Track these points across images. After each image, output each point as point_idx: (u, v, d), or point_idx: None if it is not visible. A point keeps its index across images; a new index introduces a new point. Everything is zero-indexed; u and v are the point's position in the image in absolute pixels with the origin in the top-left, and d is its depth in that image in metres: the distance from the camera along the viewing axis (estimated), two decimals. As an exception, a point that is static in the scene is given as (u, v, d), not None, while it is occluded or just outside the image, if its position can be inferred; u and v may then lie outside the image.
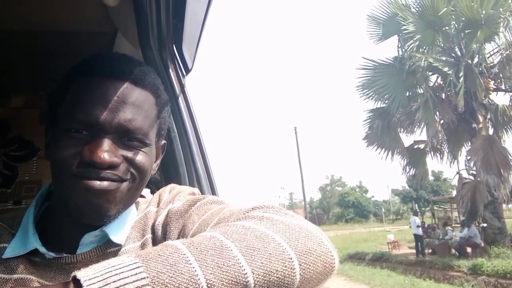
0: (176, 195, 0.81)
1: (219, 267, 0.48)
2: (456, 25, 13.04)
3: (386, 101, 13.80)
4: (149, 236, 0.77)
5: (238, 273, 0.49)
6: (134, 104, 0.71)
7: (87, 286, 0.43)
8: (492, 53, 13.15)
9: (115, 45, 1.53)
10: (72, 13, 1.35)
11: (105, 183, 0.67)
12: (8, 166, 1.60)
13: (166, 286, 0.45)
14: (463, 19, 12.47)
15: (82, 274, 0.45)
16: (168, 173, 1.27)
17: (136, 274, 0.45)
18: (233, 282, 0.48)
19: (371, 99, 14.15)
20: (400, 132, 14.13)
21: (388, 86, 13.52)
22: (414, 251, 16.48)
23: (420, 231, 16.21)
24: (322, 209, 50.73)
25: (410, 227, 19.56)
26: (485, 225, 13.28)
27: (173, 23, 1.30)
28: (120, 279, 0.44)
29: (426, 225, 18.51)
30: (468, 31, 12.72)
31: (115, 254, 0.74)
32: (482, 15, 11.79)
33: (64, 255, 0.73)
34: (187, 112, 1.28)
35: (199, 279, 0.46)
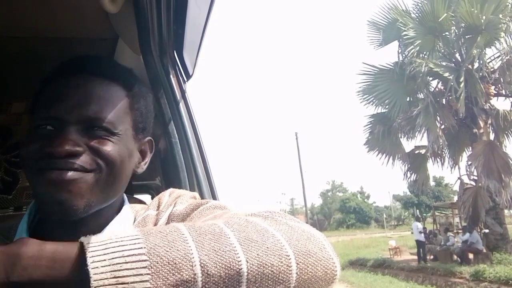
0: (177, 198, 0.80)
1: (215, 250, 0.50)
2: (457, 31, 13.08)
3: (387, 107, 13.82)
4: None
5: (233, 259, 0.50)
6: (98, 96, 0.71)
7: (89, 247, 0.48)
8: (492, 58, 13.19)
9: (116, 51, 1.54)
10: (73, 20, 1.36)
11: (65, 173, 0.65)
12: (9, 172, 1.60)
13: (161, 258, 0.48)
14: (463, 24, 12.51)
15: (86, 239, 0.49)
16: (169, 179, 1.27)
17: (135, 244, 0.48)
18: (226, 267, 0.49)
19: (372, 104, 14.18)
20: (400, 137, 14.12)
21: (389, 92, 13.54)
22: (415, 257, 16.41)
23: (422, 237, 16.15)
24: (323, 215, 50.62)
25: (412, 233, 19.50)
26: (486, 231, 13.24)
27: (174, 29, 1.30)
28: (119, 245, 0.48)
29: (427, 231, 18.44)
30: (469, 36, 12.76)
31: None
32: (482, 21, 11.83)
33: None
34: (187, 117, 1.29)
35: (193, 257, 0.49)
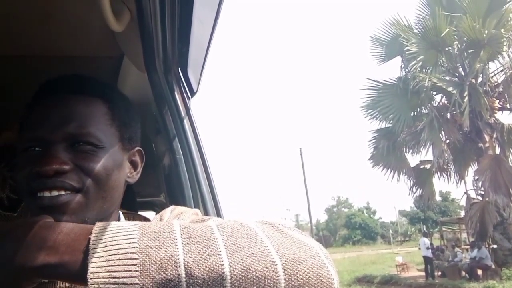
0: (178, 215, 0.81)
1: (200, 254, 0.53)
2: (459, 45, 13.15)
3: (391, 121, 13.81)
4: None
5: (216, 263, 0.52)
6: (79, 112, 0.73)
7: (93, 242, 0.54)
8: (496, 72, 13.21)
9: (122, 69, 1.55)
10: (79, 39, 1.37)
11: (56, 198, 0.67)
12: (14, 189, 1.61)
13: (150, 258, 0.52)
14: (466, 39, 12.57)
15: (95, 229, 0.56)
16: (174, 195, 1.27)
17: (130, 243, 0.53)
18: (209, 270, 0.52)
19: (376, 119, 14.19)
20: (405, 152, 14.09)
21: (393, 106, 13.55)
22: (423, 273, 16.17)
23: (429, 253, 15.94)
24: (329, 231, 50.16)
25: (419, 248, 19.25)
26: (495, 246, 13.06)
27: (178, 47, 1.32)
28: (116, 243, 0.53)
29: (435, 247, 18.21)
30: (471, 51, 12.82)
31: None
32: (484, 35, 11.89)
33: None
34: (192, 134, 1.29)
35: (178, 259, 0.52)
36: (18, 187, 0.71)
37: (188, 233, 0.56)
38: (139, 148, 0.84)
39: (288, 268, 0.54)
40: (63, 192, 0.67)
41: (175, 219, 0.78)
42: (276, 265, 0.54)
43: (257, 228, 0.59)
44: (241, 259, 0.53)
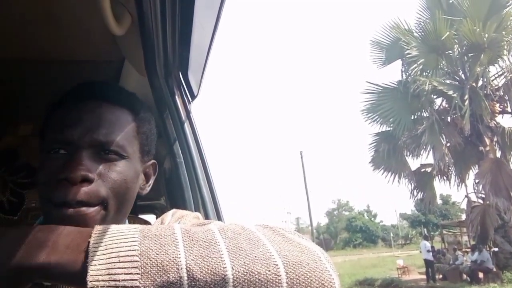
0: (179, 218, 0.82)
1: (202, 257, 0.53)
2: (460, 49, 13.16)
3: (392, 125, 13.80)
4: None
5: (218, 266, 0.52)
6: (107, 120, 0.73)
7: (92, 246, 0.54)
8: (496, 76, 13.21)
9: (122, 73, 1.56)
10: (80, 43, 1.38)
11: (80, 210, 0.67)
12: (15, 193, 1.61)
13: (151, 260, 0.52)
14: (466, 42, 12.59)
15: (94, 232, 0.56)
16: (174, 199, 1.27)
17: (130, 246, 0.53)
18: (212, 273, 0.52)
19: (376, 122, 14.17)
20: (406, 155, 14.07)
21: (393, 110, 13.55)
22: (424, 276, 16.12)
23: (430, 256, 15.90)
24: (330, 234, 50.07)
25: (420, 252, 19.21)
26: (496, 249, 13.03)
27: (179, 51, 1.32)
28: (117, 246, 0.54)
29: (436, 250, 18.17)
30: (472, 54, 12.83)
31: None
32: (485, 39, 11.90)
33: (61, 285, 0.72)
34: (192, 137, 1.29)
35: (180, 261, 0.52)
36: (39, 190, 0.70)
37: (189, 236, 0.56)
38: (154, 161, 0.85)
39: (290, 272, 0.54)
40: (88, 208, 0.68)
41: (176, 223, 0.79)
42: (279, 268, 0.54)
43: (258, 232, 0.59)
44: (244, 262, 0.53)
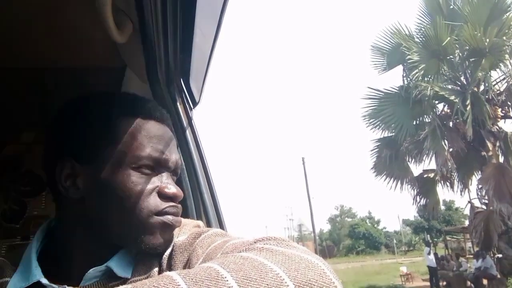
0: (180, 228, 0.82)
1: None
2: (461, 54, 13.16)
3: (393, 130, 13.76)
4: (155, 269, 0.77)
5: None
6: (174, 144, 0.83)
7: None
8: (498, 80, 13.20)
9: (124, 80, 1.56)
10: (82, 50, 1.38)
11: (175, 218, 0.77)
12: (17, 201, 1.61)
13: None
14: (467, 47, 12.59)
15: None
16: (176, 206, 1.26)
17: None
18: None
19: (378, 128, 14.13)
20: (408, 161, 14.02)
21: (395, 115, 13.52)
22: (428, 283, 16.03)
23: (434, 263, 15.81)
24: (332, 240, 49.85)
25: (423, 258, 19.11)
26: (500, 255, 12.93)
27: (180, 58, 1.32)
28: None
29: (439, 256, 18.07)
30: (473, 59, 12.82)
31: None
32: (486, 44, 11.90)
33: (67, 287, 0.72)
34: (194, 144, 1.29)
35: None
36: (127, 201, 0.74)
37: (191, 278, 0.52)
38: None
39: None
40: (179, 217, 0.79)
41: (175, 237, 0.81)
42: None
43: (259, 257, 0.57)
44: None
